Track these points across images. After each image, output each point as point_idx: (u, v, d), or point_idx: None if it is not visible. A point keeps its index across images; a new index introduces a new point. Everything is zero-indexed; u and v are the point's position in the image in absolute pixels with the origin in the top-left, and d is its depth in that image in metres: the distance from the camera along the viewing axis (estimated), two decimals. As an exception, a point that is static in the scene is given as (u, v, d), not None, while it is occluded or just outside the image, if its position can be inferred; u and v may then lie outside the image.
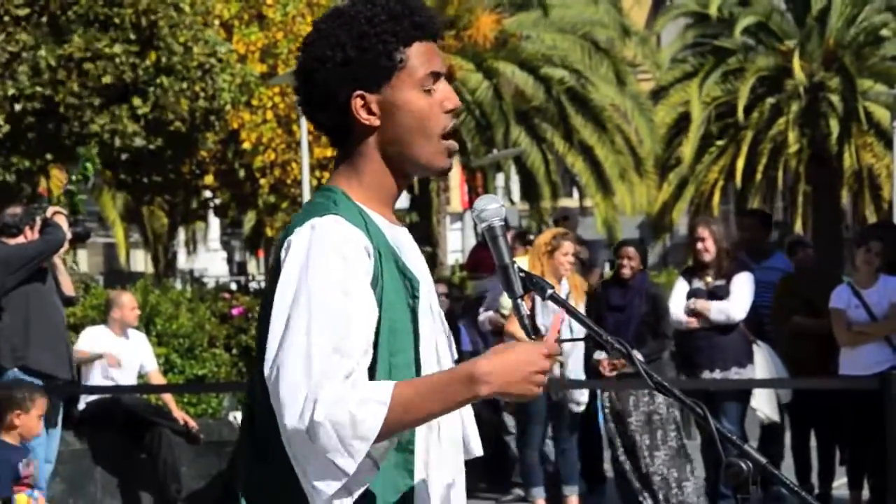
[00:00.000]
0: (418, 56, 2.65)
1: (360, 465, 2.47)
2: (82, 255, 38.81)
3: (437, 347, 2.68)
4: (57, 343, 8.52)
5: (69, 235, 8.52)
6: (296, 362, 2.47)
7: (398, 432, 2.51)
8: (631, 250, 9.34)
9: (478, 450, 2.84)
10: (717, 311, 9.17)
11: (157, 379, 9.84)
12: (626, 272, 9.25)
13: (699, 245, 9.22)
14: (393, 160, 2.67)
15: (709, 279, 9.27)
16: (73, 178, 10.80)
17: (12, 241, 8.50)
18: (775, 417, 9.73)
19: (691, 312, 9.21)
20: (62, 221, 8.55)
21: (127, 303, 9.80)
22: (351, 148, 2.69)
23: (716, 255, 9.21)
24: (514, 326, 9.05)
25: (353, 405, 2.44)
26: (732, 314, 9.19)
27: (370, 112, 2.65)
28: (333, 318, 2.50)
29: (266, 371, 2.53)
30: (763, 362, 9.47)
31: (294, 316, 2.51)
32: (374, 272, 2.58)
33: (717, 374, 9.15)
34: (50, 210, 8.66)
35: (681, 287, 9.39)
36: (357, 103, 2.65)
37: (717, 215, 30.16)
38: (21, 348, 8.40)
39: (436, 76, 2.66)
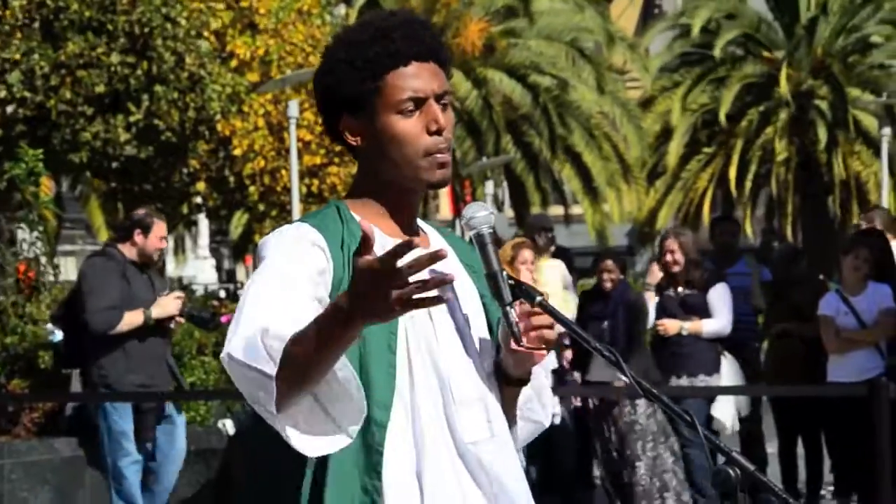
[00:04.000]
0: (396, 82, 2.69)
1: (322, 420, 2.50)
2: (70, 262, 38.64)
3: (432, 351, 2.69)
4: (148, 368, 8.42)
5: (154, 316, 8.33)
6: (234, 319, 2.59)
7: (307, 366, 2.47)
8: (609, 263, 9.50)
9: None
10: (709, 332, 9.40)
11: None
12: (608, 285, 9.38)
13: (668, 258, 9.42)
14: (385, 177, 2.74)
15: (680, 289, 9.45)
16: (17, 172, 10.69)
17: (122, 246, 8.42)
18: (734, 427, 9.83)
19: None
20: (166, 307, 8.33)
21: None
22: (358, 164, 2.79)
23: (683, 267, 9.38)
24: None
25: (259, 329, 2.50)
26: (722, 330, 9.43)
27: (356, 134, 2.73)
28: (271, 283, 2.58)
29: None
30: (728, 372, 9.62)
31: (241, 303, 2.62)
32: (338, 275, 2.65)
33: (685, 380, 9.32)
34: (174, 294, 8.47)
35: (653, 303, 9.59)
36: (344, 126, 2.74)
37: (709, 224, 30.20)
38: (106, 367, 8.39)
39: (417, 101, 2.69)
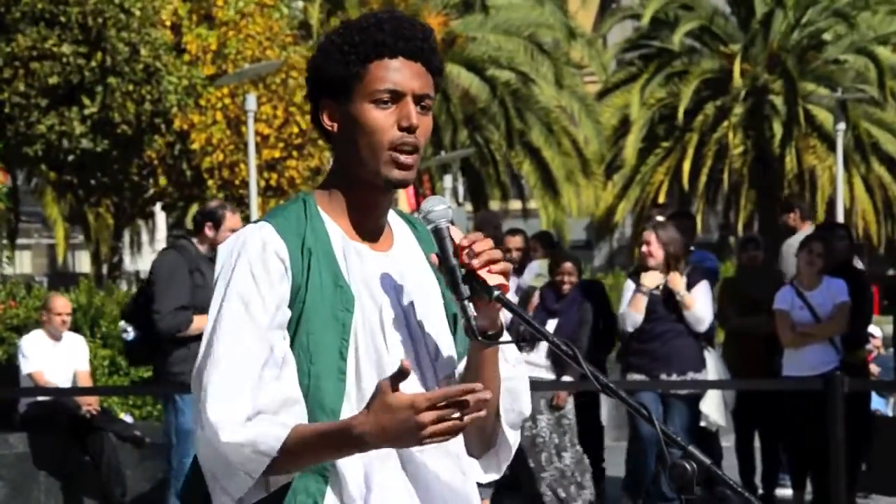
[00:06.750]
0: (378, 72, 2.71)
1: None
2: (26, 255, 38.44)
3: (381, 363, 2.67)
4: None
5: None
6: (198, 378, 2.62)
7: (292, 469, 2.58)
8: (569, 266, 9.43)
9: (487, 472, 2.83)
10: (693, 315, 9.12)
11: (85, 379, 9.75)
12: (567, 288, 9.34)
13: (644, 249, 9.27)
14: (351, 170, 2.74)
15: (660, 283, 9.25)
16: None
17: (195, 239, 8.16)
18: (722, 422, 9.76)
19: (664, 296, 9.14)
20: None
21: (55, 308, 9.61)
22: (334, 154, 2.80)
23: (663, 261, 9.20)
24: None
25: (252, 430, 2.55)
26: (700, 324, 9.16)
27: (332, 119, 2.74)
28: (232, 333, 2.60)
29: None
30: (713, 367, 9.48)
31: (207, 329, 2.65)
32: (297, 281, 2.64)
33: (674, 379, 9.16)
34: None
35: (630, 287, 9.35)
36: (323, 108, 2.75)
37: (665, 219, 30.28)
38: (178, 365, 8.15)
39: (395, 94, 2.70)
